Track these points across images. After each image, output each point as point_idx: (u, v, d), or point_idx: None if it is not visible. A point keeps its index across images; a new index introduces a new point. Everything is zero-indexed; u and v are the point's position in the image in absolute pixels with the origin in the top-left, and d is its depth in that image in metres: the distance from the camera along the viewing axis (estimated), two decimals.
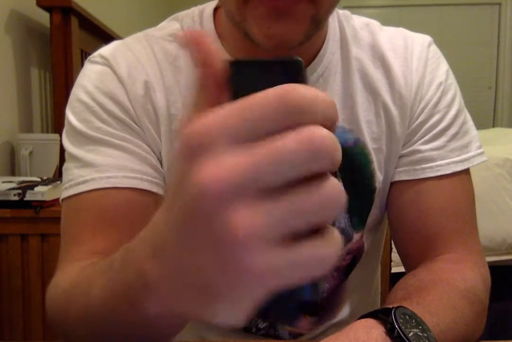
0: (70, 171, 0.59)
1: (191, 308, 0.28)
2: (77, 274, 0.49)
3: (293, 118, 0.24)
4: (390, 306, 0.45)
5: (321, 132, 0.23)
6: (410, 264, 0.64)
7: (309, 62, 0.63)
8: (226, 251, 0.24)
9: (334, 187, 0.24)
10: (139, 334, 0.39)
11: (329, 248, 0.24)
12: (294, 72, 0.27)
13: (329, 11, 0.54)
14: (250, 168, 0.23)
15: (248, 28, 0.52)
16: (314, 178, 0.24)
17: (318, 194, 0.24)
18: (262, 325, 0.69)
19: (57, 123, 1.79)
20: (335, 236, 0.25)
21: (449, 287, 0.53)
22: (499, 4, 4.07)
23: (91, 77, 0.61)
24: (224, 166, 0.23)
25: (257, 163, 0.23)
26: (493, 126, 4.01)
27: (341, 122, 0.63)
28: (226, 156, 0.23)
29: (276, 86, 0.24)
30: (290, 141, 0.23)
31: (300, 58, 0.27)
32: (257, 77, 0.26)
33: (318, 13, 0.52)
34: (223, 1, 0.55)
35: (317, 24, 0.54)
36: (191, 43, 0.26)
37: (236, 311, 0.26)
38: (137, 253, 0.33)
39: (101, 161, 0.57)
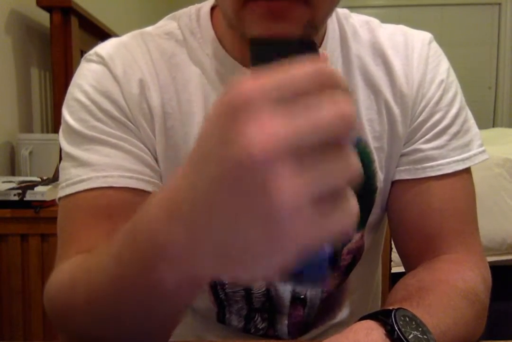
0: (67, 170, 0.59)
1: (211, 271, 0.29)
2: (77, 264, 0.49)
3: (326, 89, 0.26)
4: (390, 308, 0.45)
5: (348, 107, 0.26)
6: (410, 264, 0.64)
7: None
8: (270, 216, 0.25)
9: (353, 155, 0.27)
10: (150, 309, 0.40)
11: (352, 211, 0.27)
12: (311, 51, 0.28)
13: (326, 15, 0.54)
14: (293, 134, 0.24)
15: (246, 29, 0.52)
16: (338, 146, 0.26)
17: (344, 160, 0.26)
18: (261, 325, 0.69)
19: (57, 123, 1.79)
20: (354, 200, 0.27)
21: (449, 288, 0.53)
22: (499, 4, 4.07)
23: (86, 76, 0.61)
24: (271, 130, 0.24)
25: (299, 130, 0.24)
26: (493, 126, 4.01)
27: None
28: (271, 119, 0.24)
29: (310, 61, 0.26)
30: (327, 113, 0.25)
31: (314, 39, 0.29)
32: (277, 54, 0.27)
33: (315, 18, 0.51)
34: (221, 4, 0.55)
35: (314, 28, 0.53)
36: None
37: (265, 271, 0.27)
38: (151, 218, 0.33)
39: (97, 160, 0.57)
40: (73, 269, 0.49)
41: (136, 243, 0.36)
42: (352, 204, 0.27)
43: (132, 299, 0.40)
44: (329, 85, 0.26)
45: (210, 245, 0.28)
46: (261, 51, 0.28)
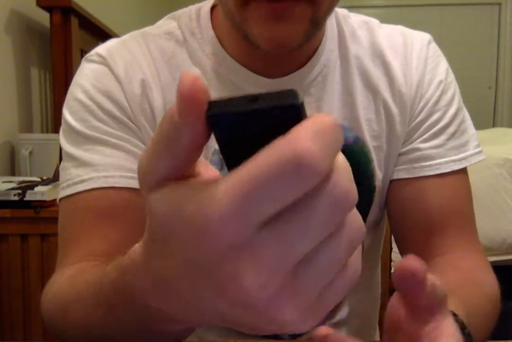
0: (68, 170, 0.58)
1: (209, 321, 0.27)
2: (72, 280, 0.48)
3: (312, 185, 0.21)
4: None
5: (362, 230, 0.24)
6: None
7: (307, 60, 0.63)
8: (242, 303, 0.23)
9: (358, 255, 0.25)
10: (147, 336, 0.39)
11: (351, 280, 0.25)
12: (294, 118, 0.21)
13: (328, 12, 0.54)
14: (290, 259, 0.22)
15: (248, 30, 0.53)
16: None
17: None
18: None
19: (57, 123, 1.79)
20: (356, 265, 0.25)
21: (481, 293, 0.53)
22: (499, 4, 4.07)
23: (88, 76, 0.60)
24: (265, 269, 0.21)
25: (293, 247, 0.21)
26: (493, 126, 4.01)
27: (341, 120, 0.63)
28: (261, 250, 0.21)
29: (285, 146, 0.20)
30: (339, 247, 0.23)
31: (300, 99, 0.21)
32: (249, 125, 0.22)
33: (317, 14, 0.52)
34: (223, 4, 0.55)
35: (316, 25, 0.54)
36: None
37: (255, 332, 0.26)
38: (137, 290, 0.30)
39: (98, 160, 0.57)
40: (67, 289, 0.47)
41: (130, 303, 0.33)
42: (352, 272, 0.25)
43: (128, 333, 0.38)
44: (314, 179, 0.21)
45: (198, 310, 0.26)
46: (227, 124, 0.22)
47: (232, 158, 0.23)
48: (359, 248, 0.25)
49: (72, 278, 0.49)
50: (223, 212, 0.21)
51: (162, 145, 0.23)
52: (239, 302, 0.23)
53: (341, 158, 0.23)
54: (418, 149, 0.64)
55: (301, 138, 0.20)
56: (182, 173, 0.24)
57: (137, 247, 0.29)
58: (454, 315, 0.38)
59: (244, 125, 0.22)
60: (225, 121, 0.22)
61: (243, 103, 0.22)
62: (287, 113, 0.21)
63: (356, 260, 0.25)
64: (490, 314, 0.52)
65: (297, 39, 0.52)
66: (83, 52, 1.89)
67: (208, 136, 0.23)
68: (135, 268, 0.29)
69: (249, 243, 0.21)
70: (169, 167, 0.24)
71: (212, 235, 0.21)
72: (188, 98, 0.22)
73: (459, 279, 0.54)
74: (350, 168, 0.23)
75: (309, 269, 0.22)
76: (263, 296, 0.22)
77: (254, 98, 0.21)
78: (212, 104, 0.22)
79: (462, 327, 0.38)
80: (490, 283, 0.56)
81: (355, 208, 0.24)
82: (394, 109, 0.64)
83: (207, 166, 0.26)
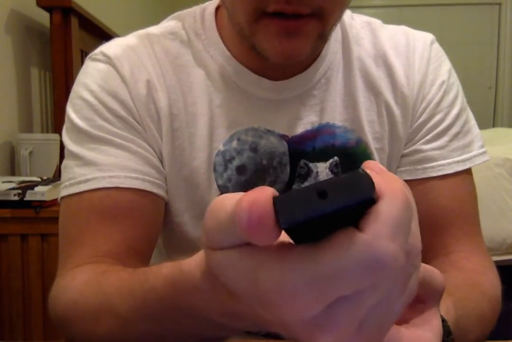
0: (71, 169, 0.58)
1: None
2: (96, 287, 0.47)
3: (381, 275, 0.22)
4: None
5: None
6: None
7: (311, 63, 0.63)
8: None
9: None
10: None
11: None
12: (368, 206, 0.21)
13: (335, 25, 0.55)
14: (356, 321, 0.23)
15: (258, 43, 0.54)
16: None
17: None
18: None
19: (57, 123, 1.79)
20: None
21: (481, 294, 0.53)
22: (499, 4, 4.07)
23: (93, 75, 0.60)
24: (337, 333, 0.23)
25: (361, 310, 0.23)
26: (493, 126, 4.00)
27: (343, 122, 0.63)
28: (331, 318, 0.23)
29: (365, 248, 0.21)
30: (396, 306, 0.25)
31: (372, 189, 0.21)
32: (322, 221, 0.21)
33: (325, 29, 0.54)
34: (231, 14, 0.55)
35: (323, 39, 0.55)
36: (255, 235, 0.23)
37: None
38: (200, 309, 0.32)
39: (103, 160, 0.57)
40: (93, 298, 0.46)
41: (188, 318, 0.34)
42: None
43: (174, 339, 0.39)
44: (381, 270, 0.21)
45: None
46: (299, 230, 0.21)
47: (302, 238, 0.23)
48: (418, 269, 0.26)
49: (93, 285, 0.48)
50: (299, 291, 0.22)
51: (228, 232, 0.24)
52: None
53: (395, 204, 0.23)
54: (421, 150, 0.63)
55: (381, 239, 0.21)
56: None
57: (195, 269, 0.30)
58: (443, 320, 0.38)
59: (318, 222, 0.21)
60: (299, 226, 0.21)
61: (312, 200, 0.21)
62: (361, 206, 0.21)
63: (413, 286, 0.26)
64: (487, 316, 0.52)
65: (306, 52, 0.53)
66: (83, 52, 1.89)
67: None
68: (198, 293, 0.30)
69: (322, 314, 0.23)
70: (236, 243, 0.24)
71: (285, 312, 0.23)
72: (253, 230, 0.22)
73: (460, 280, 0.54)
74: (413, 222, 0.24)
75: (371, 317, 0.24)
76: None
77: (322, 192, 0.21)
78: (281, 207, 0.21)
79: (447, 334, 0.38)
80: (491, 284, 0.56)
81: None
82: (396, 111, 0.64)
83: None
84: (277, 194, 0.22)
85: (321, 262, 0.22)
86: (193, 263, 0.30)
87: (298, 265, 0.22)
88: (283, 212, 0.21)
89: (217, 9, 0.64)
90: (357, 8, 3.84)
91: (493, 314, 0.54)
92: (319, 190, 0.21)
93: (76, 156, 0.58)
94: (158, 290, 0.36)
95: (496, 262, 0.61)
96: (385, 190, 0.22)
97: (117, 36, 0.66)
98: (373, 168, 0.25)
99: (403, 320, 0.33)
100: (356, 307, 0.23)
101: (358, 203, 0.21)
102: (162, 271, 0.36)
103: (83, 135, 0.58)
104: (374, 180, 0.22)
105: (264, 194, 0.22)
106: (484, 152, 0.65)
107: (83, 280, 0.50)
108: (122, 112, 0.59)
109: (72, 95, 0.61)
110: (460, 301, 0.47)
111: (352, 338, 0.23)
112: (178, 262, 0.33)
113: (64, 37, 1.79)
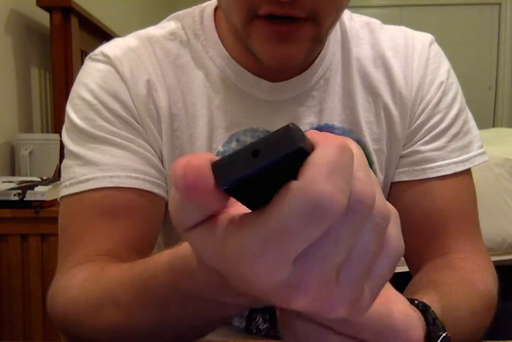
0: (71, 169, 0.58)
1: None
2: (96, 281, 0.48)
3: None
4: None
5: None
6: (415, 263, 0.63)
7: (310, 64, 0.63)
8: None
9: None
10: (193, 329, 0.40)
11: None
12: (302, 156, 0.21)
13: (330, 29, 0.55)
14: (330, 275, 0.23)
15: (252, 45, 0.54)
16: None
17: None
18: (262, 326, 0.69)
19: (57, 123, 1.79)
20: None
21: (472, 289, 0.53)
22: (499, 4, 4.07)
23: (93, 75, 0.60)
24: (312, 290, 0.23)
25: (331, 265, 0.23)
26: (493, 126, 4.01)
27: (342, 122, 0.63)
28: (302, 277, 0.23)
29: (303, 192, 0.21)
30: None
31: (299, 138, 0.21)
32: (261, 178, 0.21)
33: (320, 33, 0.53)
34: (227, 16, 0.55)
35: (318, 43, 0.55)
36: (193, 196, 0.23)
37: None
38: (200, 290, 0.33)
39: (103, 160, 0.57)
40: (93, 292, 0.47)
41: (189, 300, 0.35)
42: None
43: (181, 324, 0.40)
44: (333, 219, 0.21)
45: None
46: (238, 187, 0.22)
47: (252, 202, 0.23)
48: (397, 225, 0.26)
49: (93, 280, 0.48)
50: (257, 256, 0.22)
51: (183, 206, 0.24)
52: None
53: (328, 150, 0.22)
54: (419, 151, 0.63)
55: (315, 183, 0.21)
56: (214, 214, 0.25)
57: (190, 254, 0.31)
58: (425, 306, 0.39)
59: (257, 180, 0.22)
60: (237, 185, 0.22)
61: (246, 160, 0.21)
62: (294, 157, 0.21)
63: (394, 240, 0.25)
64: (479, 310, 0.52)
65: (300, 57, 0.53)
66: (83, 53, 1.89)
67: (227, 198, 0.23)
68: (192, 271, 0.31)
69: (288, 276, 0.22)
70: (198, 219, 0.24)
71: (253, 279, 0.23)
72: (191, 192, 0.22)
73: (451, 277, 0.54)
74: (364, 165, 0.23)
75: (347, 272, 0.24)
76: (312, 307, 0.24)
77: (255, 151, 0.21)
78: (217, 170, 0.22)
79: (433, 318, 0.39)
80: (484, 282, 0.56)
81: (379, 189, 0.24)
82: (395, 112, 0.64)
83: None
84: (215, 158, 0.22)
85: (269, 220, 0.22)
86: (188, 248, 0.31)
87: (251, 229, 0.22)
88: (219, 173, 0.21)
89: (216, 9, 0.64)
90: (357, 8, 3.84)
91: (487, 310, 0.53)
92: (252, 149, 0.21)
93: (76, 156, 0.58)
94: (159, 277, 0.37)
95: (496, 262, 0.61)
96: (318, 140, 0.22)
97: (117, 36, 0.66)
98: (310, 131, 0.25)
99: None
100: (321, 261, 0.22)
101: (290, 155, 0.21)
102: (161, 259, 0.37)
103: (83, 135, 0.58)
104: (307, 134, 0.22)
105: (198, 157, 0.22)
106: (483, 153, 0.65)
107: (83, 277, 0.50)
108: (122, 113, 0.59)
109: (72, 95, 0.61)
110: (448, 295, 0.48)
111: (332, 297, 0.23)
112: (175, 249, 0.35)
113: (64, 37, 1.79)
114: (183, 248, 0.33)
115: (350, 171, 0.22)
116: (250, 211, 0.24)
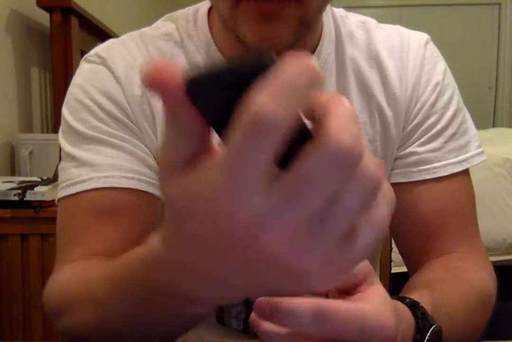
0: (67, 170, 0.58)
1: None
2: (78, 276, 0.49)
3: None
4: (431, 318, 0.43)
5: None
6: (414, 264, 0.63)
7: None
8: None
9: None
10: (168, 327, 0.40)
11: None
12: (265, 69, 0.22)
13: (318, 12, 0.54)
14: (302, 215, 0.23)
15: (240, 31, 0.53)
16: None
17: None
18: None
19: (57, 123, 1.78)
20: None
21: (467, 287, 0.53)
22: (499, 4, 4.07)
23: (88, 77, 0.61)
24: (282, 229, 0.23)
25: (302, 203, 0.23)
26: (493, 126, 4.01)
27: None
28: (273, 213, 0.23)
29: (245, 109, 0.21)
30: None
31: (269, 58, 0.22)
32: (224, 88, 0.22)
33: (306, 15, 0.52)
34: (216, 6, 0.55)
35: (306, 25, 0.54)
36: (157, 88, 0.23)
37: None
38: (164, 279, 0.32)
39: (98, 160, 0.57)
40: (73, 286, 0.48)
41: (156, 294, 0.35)
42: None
43: (151, 322, 0.40)
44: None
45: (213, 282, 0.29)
46: (204, 92, 0.22)
47: (219, 126, 0.24)
48: (388, 207, 0.25)
49: (78, 275, 0.49)
50: (224, 190, 0.22)
51: (166, 136, 0.25)
52: (263, 264, 0.24)
53: (341, 106, 0.23)
54: (416, 153, 0.63)
55: (260, 101, 0.21)
56: (198, 154, 0.25)
57: (156, 240, 0.31)
58: (414, 301, 0.39)
59: (216, 86, 0.22)
60: (197, 84, 0.22)
61: (217, 67, 0.22)
62: (254, 70, 0.22)
63: (380, 213, 0.25)
64: (474, 307, 0.52)
65: (286, 38, 0.52)
66: (83, 53, 1.89)
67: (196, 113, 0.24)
68: (160, 259, 0.31)
69: (259, 210, 0.23)
70: (183, 153, 0.25)
71: (223, 212, 0.23)
72: (156, 80, 0.23)
73: (446, 276, 0.54)
74: (351, 116, 0.23)
75: (324, 222, 0.23)
76: (283, 252, 0.23)
77: (226, 65, 0.22)
78: (186, 75, 0.23)
79: (422, 312, 0.39)
80: (481, 281, 0.56)
81: (369, 154, 0.24)
82: (389, 113, 0.63)
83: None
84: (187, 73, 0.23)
85: (230, 144, 0.22)
86: (155, 236, 0.31)
87: (217, 165, 0.23)
88: (187, 77, 0.22)
89: (210, 10, 0.64)
90: (357, 8, 3.84)
91: (482, 308, 0.53)
92: (224, 64, 0.22)
93: (72, 158, 0.59)
94: (130, 268, 0.37)
95: (496, 262, 0.62)
96: (287, 60, 0.22)
97: (117, 36, 0.66)
98: None
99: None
100: (296, 202, 0.22)
101: (255, 68, 0.22)
102: (134, 250, 0.37)
103: (78, 137, 0.59)
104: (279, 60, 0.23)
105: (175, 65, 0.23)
106: (481, 153, 0.64)
107: (72, 273, 0.51)
108: (117, 113, 0.59)
109: (67, 97, 0.62)
110: (441, 291, 0.48)
111: (304, 245, 0.23)
112: (145, 243, 0.35)
113: (64, 37, 1.79)
114: (151, 238, 0.33)
115: (305, 91, 0.22)
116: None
